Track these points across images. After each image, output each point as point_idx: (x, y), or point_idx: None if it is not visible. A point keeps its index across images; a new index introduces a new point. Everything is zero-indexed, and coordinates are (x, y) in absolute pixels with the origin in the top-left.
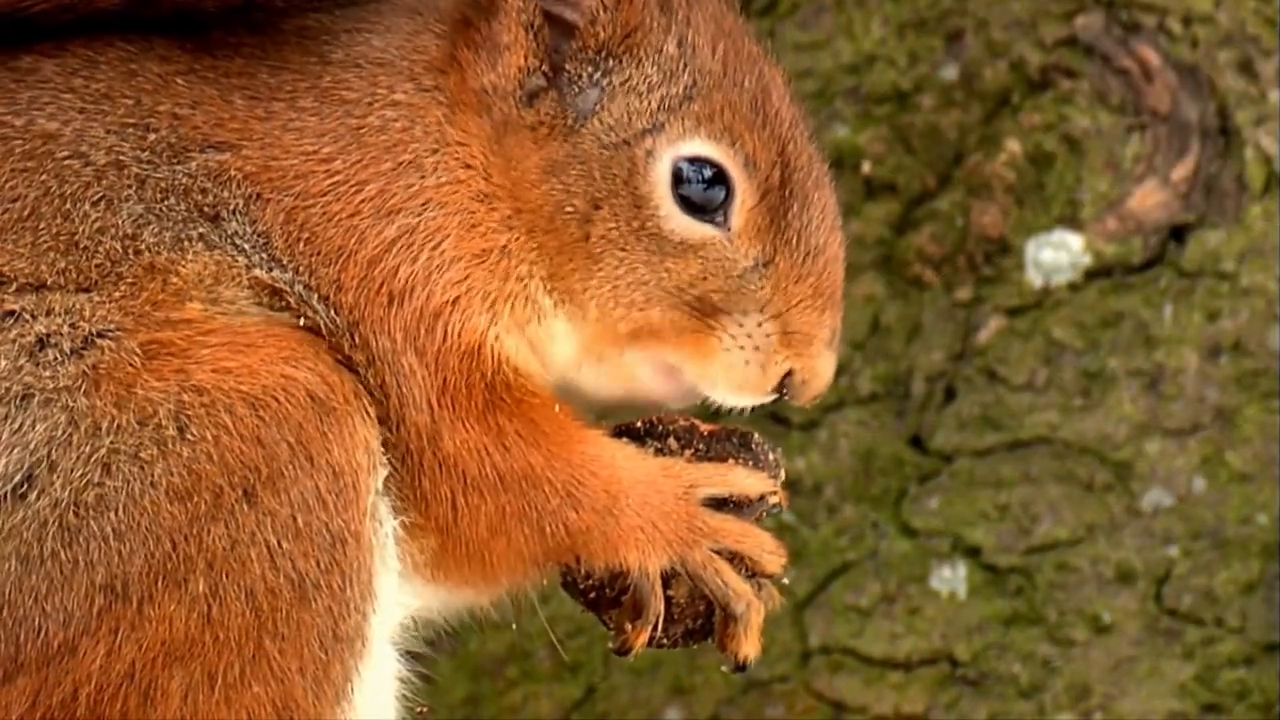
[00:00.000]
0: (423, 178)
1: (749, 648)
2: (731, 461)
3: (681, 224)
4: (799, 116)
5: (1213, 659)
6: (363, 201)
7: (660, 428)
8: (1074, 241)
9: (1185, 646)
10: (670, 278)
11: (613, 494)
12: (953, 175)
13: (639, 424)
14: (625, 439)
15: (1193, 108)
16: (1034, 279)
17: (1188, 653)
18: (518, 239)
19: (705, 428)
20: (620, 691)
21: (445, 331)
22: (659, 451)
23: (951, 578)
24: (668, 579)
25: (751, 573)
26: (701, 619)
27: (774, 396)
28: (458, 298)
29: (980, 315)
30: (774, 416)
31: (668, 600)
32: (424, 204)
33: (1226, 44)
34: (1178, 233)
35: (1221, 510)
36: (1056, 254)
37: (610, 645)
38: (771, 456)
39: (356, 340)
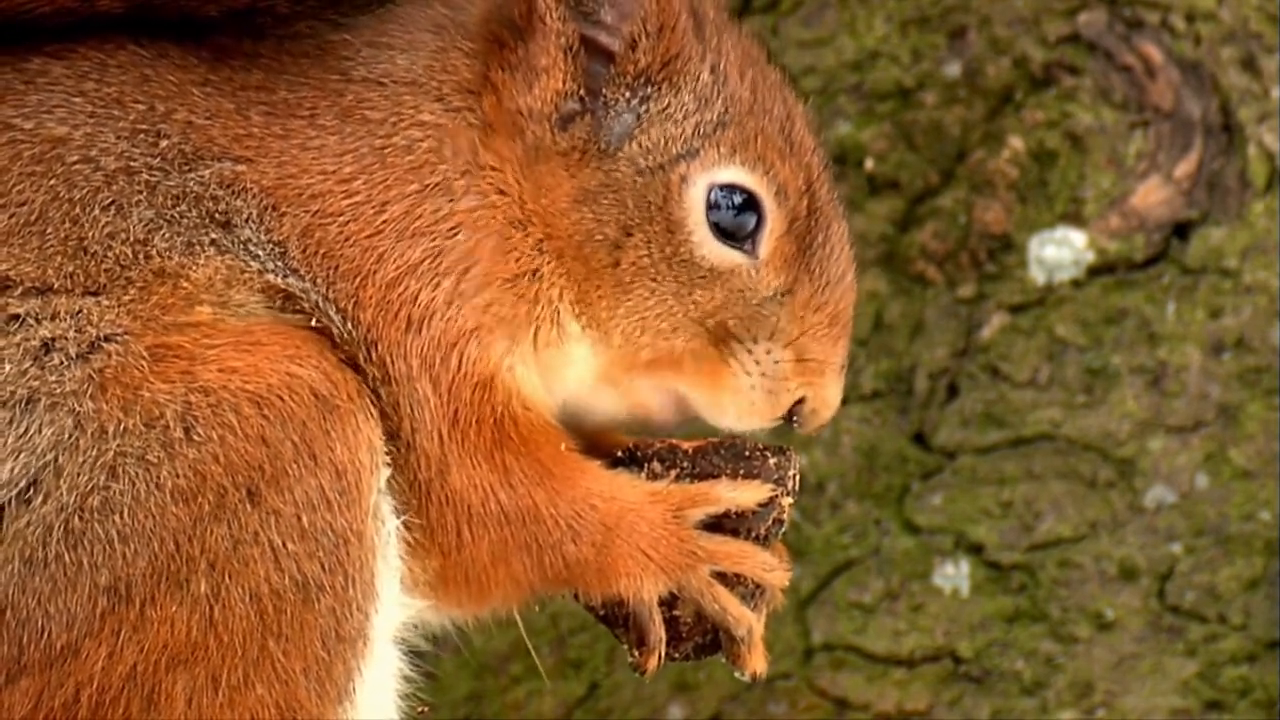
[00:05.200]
0: (452, 201)
1: (755, 663)
2: (723, 476)
3: (713, 250)
4: (818, 145)
5: (1215, 656)
6: (385, 222)
7: (640, 453)
8: (1077, 238)
9: (1188, 644)
10: (696, 306)
11: (609, 527)
12: (955, 172)
13: (619, 453)
14: (618, 469)
15: (1195, 104)
16: (1037, 276)
17: (1190, 650)
18: (549, 263)
19: (688, 445)
20: (623, 689)
21: (460, 360)
22: (645, 478)
23: (954, 575)
24: (673, 600)
25: (757, 585)
26: (710, 634)
27: (779, 422)
28: (480, 325)
29: (983, 312)
30: None
31: (675, 620)
32: (453, 228)
33: (1229, 41)
34: (1181, 230)
35: (1224, 507)
36: (1059, 251)
37: (630, 662)
38: (772, 461)
39: (373, 358)
